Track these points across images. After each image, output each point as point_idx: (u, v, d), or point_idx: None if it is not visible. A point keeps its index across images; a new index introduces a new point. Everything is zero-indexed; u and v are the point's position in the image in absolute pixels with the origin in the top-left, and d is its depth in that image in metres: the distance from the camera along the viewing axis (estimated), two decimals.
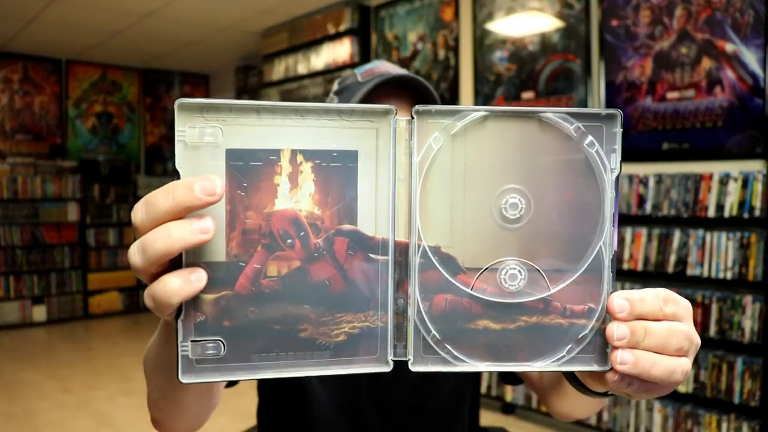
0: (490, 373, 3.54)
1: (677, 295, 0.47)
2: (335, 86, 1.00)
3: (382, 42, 4.39)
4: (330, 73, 4.65)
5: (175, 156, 0.41)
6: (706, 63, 2.76)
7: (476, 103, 3.73)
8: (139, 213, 0.42)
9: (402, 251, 0.45)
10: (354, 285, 0.44)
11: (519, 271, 0.45)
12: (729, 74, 2.69)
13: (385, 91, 0.90)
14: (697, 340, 0.46)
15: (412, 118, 0.44)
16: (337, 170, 0.43)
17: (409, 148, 0.44)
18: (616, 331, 0.43)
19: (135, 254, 0.41)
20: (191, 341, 0.42)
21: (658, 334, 0.44)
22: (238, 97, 6.49)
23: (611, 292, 0.45)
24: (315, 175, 0.43)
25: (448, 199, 0.44)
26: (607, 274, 0.45)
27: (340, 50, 4.57)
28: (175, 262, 0.42)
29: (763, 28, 2.58)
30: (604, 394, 0.55)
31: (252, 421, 1.12)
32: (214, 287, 0.42)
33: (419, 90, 0.92)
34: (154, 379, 0.64)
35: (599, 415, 3.07)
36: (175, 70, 7.19)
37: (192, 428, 0.74)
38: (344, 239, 0.44)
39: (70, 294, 6.26)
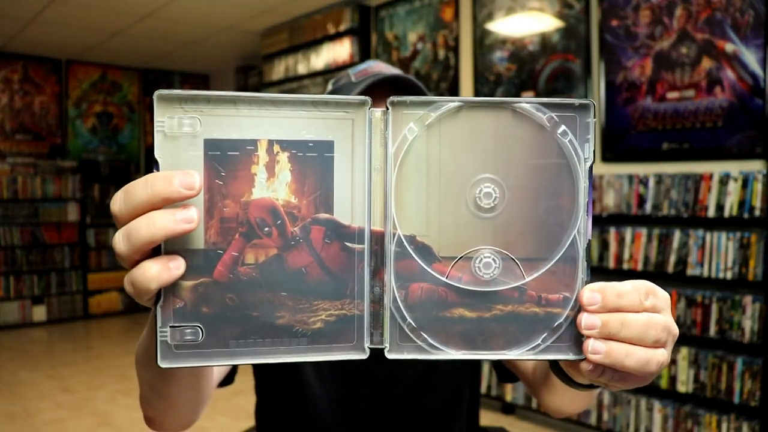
0: (490, 372, 3.53)
1: (657, 287, 0.47)
2: (329, 86, 1.01)
3: (382, 42, 4.39)
4: (330, 73, 4.66)
5: (155, 146, 0.42)
6: (706, 63, 2.76)
7: None
8: (117, 202, 0.42)
9: (378, 240, 0.45)
10: (330, 273, 0.45)
11: (494, 259, 0.45)
12: (729, 74, 2.69)
13: (377, 91, 0.91)
14: (675, 330, 0.46)
15: (387, 108, 0.44)
16: (313, 160, 0.44)
17: (384, 139, 0.45)
18: (584, 320, 0.44)
19: (119, 242, 0.42)
20: (170, 327, 0.42)
21: (635, 325, 0.44)
22: None
23: (586, 281, 0.45)
24: (291, 165, 0.43)
25: (423, 189, 0.45)
26: (582, 263, 0.45)
27: (340, 50, 4.57)
28: (156, 250, 0.42)
29: (763, 28, 2.58)
30: (590, 387, 0.55)
31: (252, 421, 1.12)
32: (192, 274, 0.42)
33: (412, 90, 0.93)
34: (144, 373, 0.65)
35: (599, 415, 3.07)
36: (175, 70, 7.19)
37: (183, 424, 0.74)
38: (321, 228, 0.44)
39: (70, 294, 6.27)
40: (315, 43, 4.80)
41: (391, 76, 0.91)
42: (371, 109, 0.44)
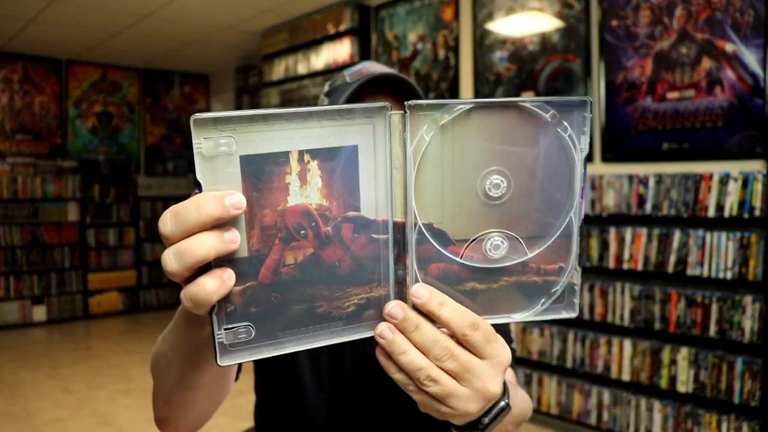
0: None
1: (490, 329, 0.50)
2: (326, 87, 1.02)
3: (382, 42, 4.39)
4: (330, 73, 4.65)
5: (195, 168, 0.44)
6: (706, 63, 2.76)
7: None
8: (169, 224, 0.45)
9: (399, 230, 0.50)
10: (359, 262, 0.50)
11: (501, 241, 0.51)
12: (729, 74, 2.69)
13: (371, 89, 0.94)
14: (478, 375, 0.49)
15: (405, 112, 0.48)
16: (340, 164, 0.48)
17: (403, 139, 0.49)
18: (389, 308, 0.49)
19: (171, 261, 0.45)
20: (224, 329, 0.47)
21: (426, 334, 0.48)
22: (238, 97, 6.49)
23: (579, 254, 0.52)
24: (321, 171, 0.47)
25: (438, 182, 0.50)
26: (576, 238, 0.52)
27: (340, 50, 4.57)
28: (206, 264, 0.46)
29: (763, 28, 2.58)
30: (458, 427, 0.57)
31: (252, 421, 1.12)
32: (240, 280, 0.46)
33: (403, 86, 0.96)
34: (171, 369, 0.66)
35: (599, 415, 3.07)
36: (175, 70, 7.19)
37: (202, 420, 0.74)
38: (350, 225, 0.49)
39: (70, 294, 6.26)
40: (315, 43, 4.80)
41: (382, 74, 0.93)
42: (390, 113, 0.48)
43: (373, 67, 0.98)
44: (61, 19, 4.97)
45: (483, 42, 3.71)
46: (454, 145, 0.49)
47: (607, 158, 3.13)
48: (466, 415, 0.50)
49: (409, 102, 0.48)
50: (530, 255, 0.51)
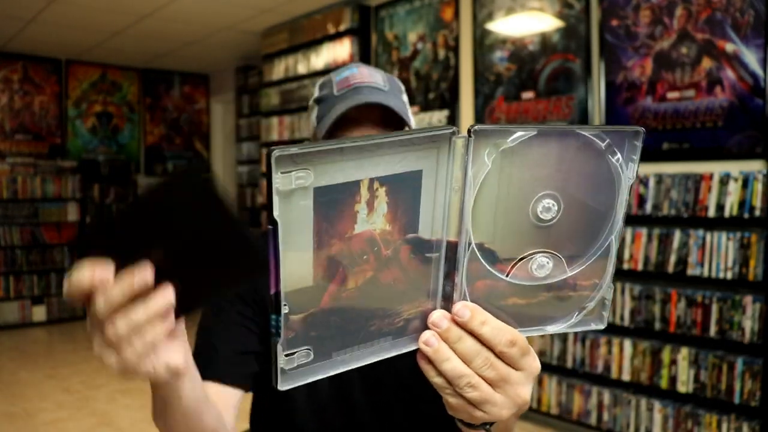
0: None
1: (525, 343, 0.52)
2: (315, 91, 1.02)
3: (382, 42, 4.39)
4: (330, 73, 4.65)
5: (273, 205, 0.44)
6: (707, 63, 2.75)
7: (476, 103, 3.74)
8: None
9: (452, 248, 0.51)
10: (413, 281, 0.51)
11: (546, 261, 0.53)
12: (729, 74, 2.68)
13: (356, 111, 0.93)
14: (512, 387, 0.51)
15: (470, 136, 0.48)
16: (405, 189, 0.49)
17: (464, 163, 0.49)
18: (434, 317, 0.50)
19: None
20: (285, 355, 0.47)
21: (469, 345, 0.50)
22: (238, 97, 6.49)
23: (613, 272, 0.55)
24: (388, 197, 0.48)
25: (493, 204, 0.51)
26: (613, 258, 0.55)
27: (340, 50, 4.57)
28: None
29: (763, 28, 2.58)
30: (467, 424, 0.59)
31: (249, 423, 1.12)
32: (303, 308, 0.47)
33: (389, 113, 0.95)
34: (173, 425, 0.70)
35: (599, 415, 3.07)
36: (175, 70, 7.19)
37: None
38: (408, 246, 0.50)
39: None
40: (315, 43, 4.80)
41: (367, 103, 0.92)
42: (454, 138, 0.49)
43: (361, 75, 0.97)
44: (61, 19, 4.97)
45: (483, 42, 3.71)
46: (513, 170, 0.50)
47: None
48: (498, 419, 0.53)
49: (474, 127, 0.48)
50: (570, 273, 0.53)
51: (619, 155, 0.52)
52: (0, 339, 5.52)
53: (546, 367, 3.33)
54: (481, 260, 0.51)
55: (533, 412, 3.41)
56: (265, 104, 5.37)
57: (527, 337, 0.54)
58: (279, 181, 0.43)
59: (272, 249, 0.44)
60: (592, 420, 3.10)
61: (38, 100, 6.34)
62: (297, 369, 0.48)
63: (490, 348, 0.51)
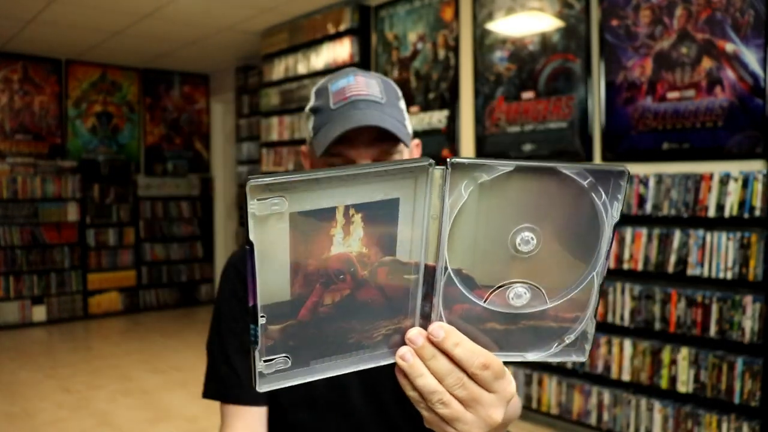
0: None
1: (500, 367, 0.53)
2: (312, 99, 1.01)
3: (382, 42, 4.39)
4: (330, 73, 4.65)
5: (249, 229, 0.47)
6: (707, 63, 2.76)
7: (476, 103, 3.74)
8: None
9: (430, 272, 0.53)
10: (391, 300, 0.54)
11: (524, 291, 0.54)
12: (729, 74, 2.68)
13: (351, 130, 0.92)
14: (483, 408, 0.53)
15: (447, 168, 0.50)
16: (381, 216, 0.51)
17: (442, 193, 0.51)
18: (411, 334, 0.52)
19: None
20: (263, 361, 0.51)
21: (441, 364, 0.52)
22: (238, 97, 6.49)
23: (596, 307, 0.55)
24: (364, 223, 0.50)
25: (472, 233, 0.52)
26: (595, 295, 0.55)
27: (340, 50, 4.57)
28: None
29: (763, 27, 2.58)
30: None
31: None
32: (280, 320, 0.50)
33: (386, 134, 0.94)
34: None
35: (599, 415, 3.07)
36: (175, 70, 7.19)
37: None
38: (386, 268, 0.52)
39: (69, 294, 6.26)
40: (315, 43, 4.80)
41: (365, 127, 0.92)
42: (432, 169, 0.50)
43: (358, 86, 0.96)
44: (61, 19, 4.97)
45: (483, 42, 3.71)
46: (491, 202, 0.51)
47: (607, 158, 3.13)
48: None
49: (452, 160, 0.49)
50: (550, 305, 0.55)
51: (603, 195, 0.52)
52: (0, 339, 5.52)
53: (546, 368, 3.33)
54: (458, 285, 0.53)
55: (533, 412, 3.42)
56: (265, 104, 5.37)
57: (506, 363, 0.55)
58: (255, 207, 0.47)
59: (250, 266, 0.47)
60: (592, 420, 3.10)
61: (38, 100, 6.34)
62: (275, 374, 0.52)
63: (463, 369, 0.52)
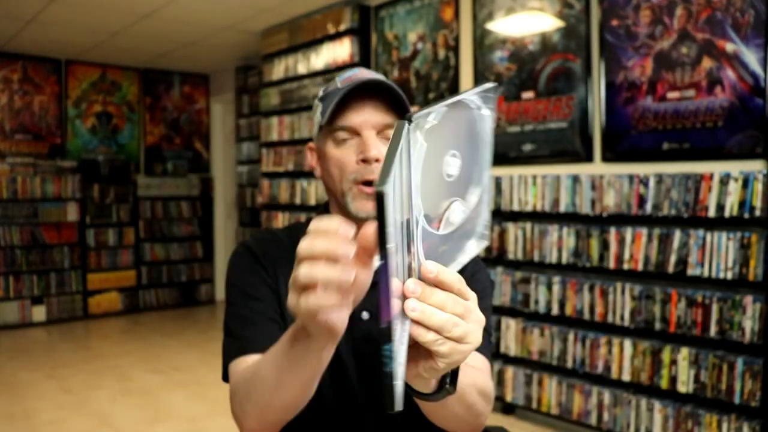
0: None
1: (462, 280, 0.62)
2: (320, 93, 1.07)
3: (382, 42, 4.39)
4: (330, 73, 4.65)
5: (387, 238, 0.52)
6: (707, 63, 2.75)
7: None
8: None
9: (406, 225, 0.58)
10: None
11: (458, 206, 0.63)
12: (729, 74, 2.68)
13: (359, 95, 1.00)
14: (473, 312, 0.62)
15: (409, 123, 0.55)
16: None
17: (408, 146, 0.56)
18: (409, 286, 0.56)
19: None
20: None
21: (439, 295, 0.58)
22: (238, 97, 6.49)
23: (491, 197, 0.65)
24: None
25: (428, 177, 0.58)
26: (489, 187, 0.69)
27: (340, 50, 4.57)
28: None
29: (763, 27, 2.58)
30: (430, 395, 0.71)
31: None
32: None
33: (388, 92, 1.01)
34: (283, 387, 0.78)
35: (599, 415, 3.07)
36: (175, 70, 7.18)
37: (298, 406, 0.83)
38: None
39: (69, 294, 6.26)
40: (315, 43, 4.80)
41: (367, 81, 0.99)
42: (407, 127, 0.55)
43: (362, 74, 1.03)
44: (61, 19, 4.97)
45: (483, 42, 3.71)
46: (434, 143, 0.58)
47: (607, 158, 3.13)
48: (476, 345, 0.62)
49: (411, 115, 0.55)
50: (470, 209, 0.65)
51: (485, 108, 0.66)
52: (0, 339, 5.52)
53: (546, 367, 3.33)
54: (427, 226, 0.59)
55: (533, 412, 3.42)
56: (265, 104, 5.36)
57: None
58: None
59: (384, 284, 0.51)
60: (593, 420, 3.10)
61: (38, 100, 6.34)
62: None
63: (449, 291, 0.59)
